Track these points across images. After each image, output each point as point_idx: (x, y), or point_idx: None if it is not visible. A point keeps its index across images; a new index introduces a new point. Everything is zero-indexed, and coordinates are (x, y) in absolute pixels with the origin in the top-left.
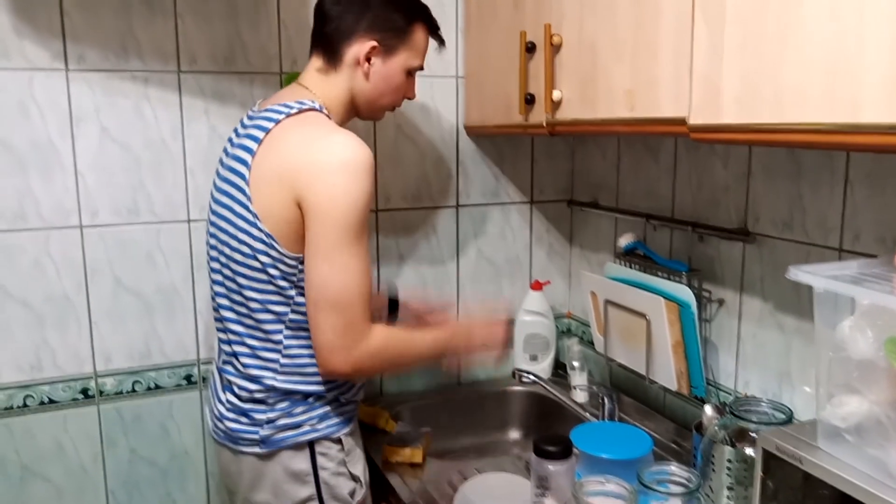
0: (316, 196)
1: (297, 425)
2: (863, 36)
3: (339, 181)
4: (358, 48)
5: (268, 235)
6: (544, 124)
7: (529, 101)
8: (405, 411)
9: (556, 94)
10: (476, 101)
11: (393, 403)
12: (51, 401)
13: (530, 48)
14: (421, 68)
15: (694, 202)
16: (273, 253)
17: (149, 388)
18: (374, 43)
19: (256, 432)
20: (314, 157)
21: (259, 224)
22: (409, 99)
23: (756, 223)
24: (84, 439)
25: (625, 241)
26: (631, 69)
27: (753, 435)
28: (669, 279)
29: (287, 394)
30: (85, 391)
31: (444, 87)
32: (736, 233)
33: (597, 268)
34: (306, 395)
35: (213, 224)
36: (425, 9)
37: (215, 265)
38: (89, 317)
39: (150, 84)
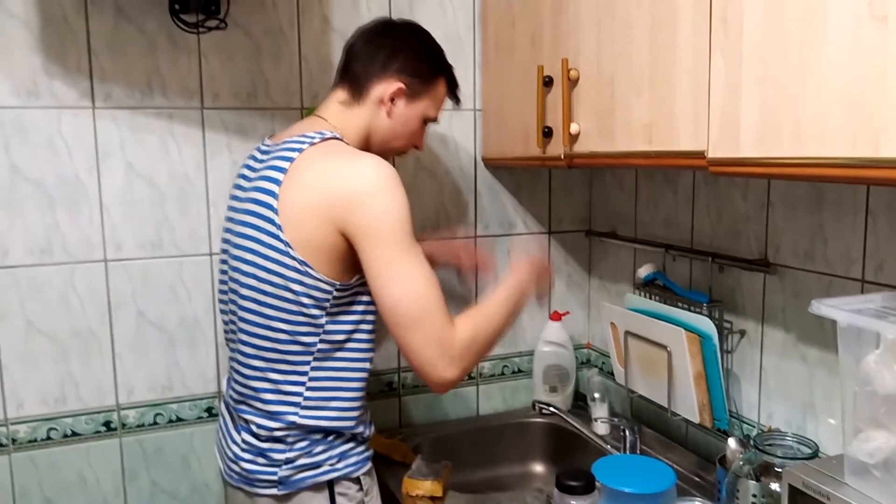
0: (361, 221)
1: (317, 465)
2: (883, 70)
3: (377, 203)
4: (385, 87)
5: (301, 262)
6: (562, 157)
7: (547, 133)
8: (424, 443)
9: (573, 127)
10: (494, 134)
11: (412, 436)
12: (74, 433)
13: (548, 82)
14: (436, 120)
15: (713, 232)
16: (307, 280)
17: (170, 421)
18: (402, 85)
19: (275, 473)
20: (348, 185)
21: (291, 252)
22: (417, 148)
23: (777, 254)
24: (106, 472)
25: (644, 271)
26: (649, 103)
27: (779, 469)
28: (690, 310)
29: (308, 432)
30: (107, 423)
31: (463, 119)
32: (756, 263)
33: (616, 298)
34: (327, 432)
35: (234, 258)
36: (450, 67)
37: (229, 299)
38: (112, 349)
39: (175, 120)
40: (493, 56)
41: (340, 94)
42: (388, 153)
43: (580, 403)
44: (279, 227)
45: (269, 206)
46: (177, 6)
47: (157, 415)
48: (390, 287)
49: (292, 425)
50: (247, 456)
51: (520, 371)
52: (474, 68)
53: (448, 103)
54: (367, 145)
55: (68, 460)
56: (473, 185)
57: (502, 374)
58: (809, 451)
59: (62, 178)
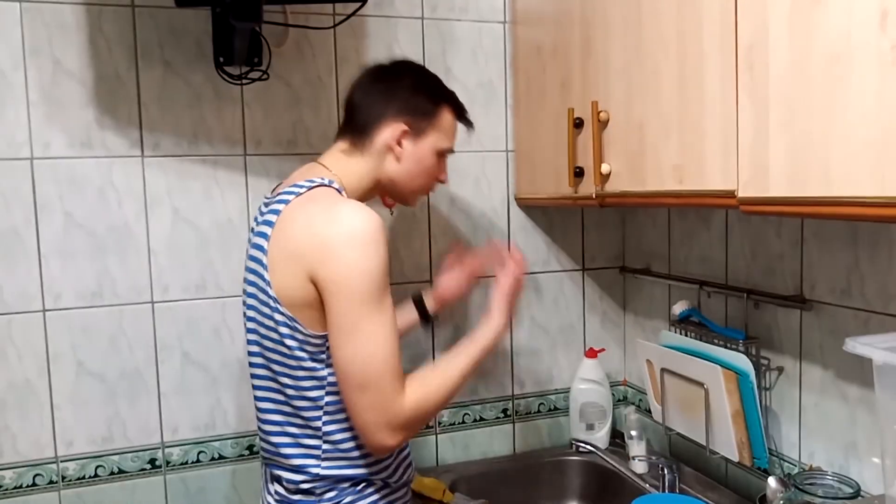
0: (329, 273)
1: None
2: None
3: (349, 254)
4: (389, 132)
5: (290, 318)
6: (594, 196)
7: (579, 173)
8: (461, 482)
9: (604, 168)
10: (526, 174)
11: (449, 474)
12: (120, 471)
13: (578, 124)
14: (451, 151)
15: (748, 269)
16: (298, 335)
17: (213, 458)
18: (405, 126)
19: None
20: (321, 232)
21: (280, 308)
22: (441, 182)
23: (812, 290)
24: None
25: (679, 308)
26: (678, 145)
27: None
28: (726, 347)
29: (335, 482)
30: (153, 461)
31: (495, 160)
32: (792, 300)
33: (651, 335)
34: (355, 482)
35: (246, 311)
36: (451, 93)
37: (254, 352)
38: (158, 389)
39: (219, 167)
40: (525, 100)
41: (342, 144)
42: (412, 195)
43: (617, 441)
44: (269, 284)
45: (261, 262)
46: (221, 59)
47: (200, 452)
48: (345, 344)
49: (317, 477)
50: None
51: (556, 409)
52: (506, 111)
53: (462, 129)
54: (379, 192)
55: (114, 498)
56: (507, 225)
57: (538, 411)
58: (851, 490)
59: (112, 225)
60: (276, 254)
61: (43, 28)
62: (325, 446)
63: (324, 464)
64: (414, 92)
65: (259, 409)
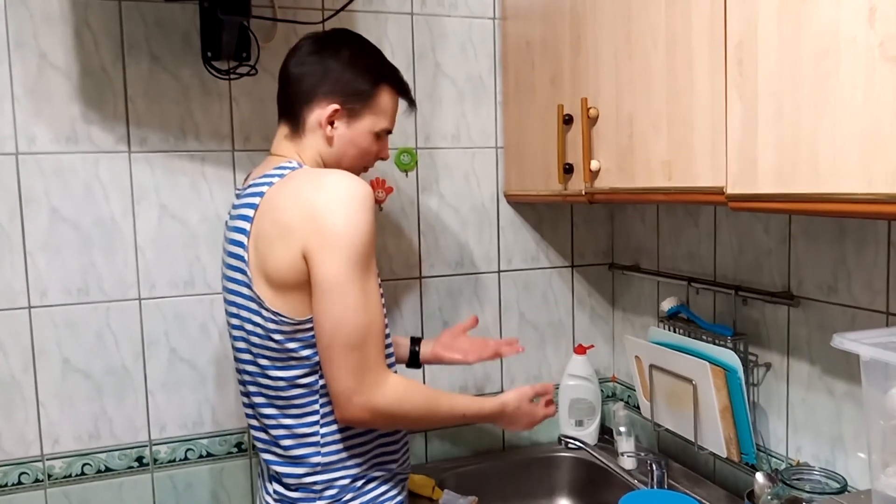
0: (318, 237)
1: None
2: None
3: (337, 218)
4: (319, 112)
5: (275, 314)
6: (583, 193)
7: (568, 170)
8: (450, 478)
9: (594, 164)
10: (515, 170)
11: (438, 470)
12: (107, 469)
13: (567, 120)
14: (390, 131)
15: (736, 265)
16: (285, 328)
17: (201, 456)
18: (336, 106)
19: None
20: (309, 201)
21: (265, 305)
22: (383, 159)
23: (800, 286)
24: None
25: (668, 304)
26: (667, 141)
27: None
28: (714, 343)
29: (334, 471)
30: (140, 459)
31: (485, 156)
32: (780, 296)
33: (640, 331)
34: (355, 478)
35: (227, 308)
36: (391, 70)
37: (241, 348)
38: (145, 386)
39: (207, 163)
40: (514, 95)
41: (283, 129)
42: (351, 171)
43: (606, 437)
44: (250, 279)
45: (241, 258)
46: (209, 54)
47: (188, 450)
48: (331, 307)
49: (317, 467)
50: None
51: None
52: (496, 107)
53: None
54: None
55: (101, 496)
56: (496, 221)
57: None
58: (838, 485)
59: (98, 220)
60: (264, 237)
61: (28, 21)
62: (322, 431)
63: (324, 450)
64: (349, 70)
65: (251, 406)
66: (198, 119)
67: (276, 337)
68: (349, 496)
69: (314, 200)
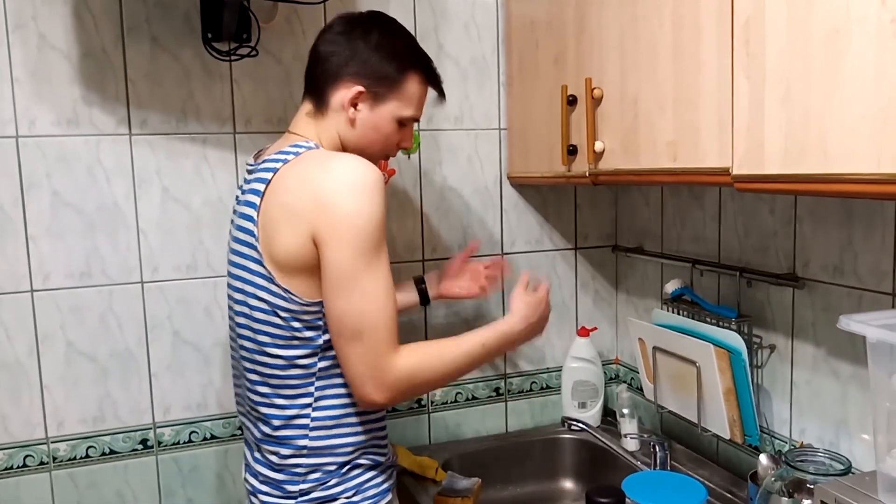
0: (325, 224)
1: (332, 498)
2: None
3: (345, 203)
4: (344, 93)
5: (285, 290)
6: (587, 174)
7: (572, 151)
8: (454, 460)
9: (598, 146)
10: (519, 152)
11: (441, 452)
12: (112, 451)
13: (572, 101)
14: (416, 119)
15: (741, 247)
16: (293, 306)
17: (205, 439)
18: (361, 88)
19: None
20: (318, 185)
21: (275, 280)
22: (405, 149)
23: (805, 268)
24: (144, 489)
25: (672, 286)
26: (673, 121)
27: (811, 486)
28: (718, 325)
29: (320, 456)
30: (144, 441)
31: (488, 138)
32: (785, 278)
33: (644, 313)
34: (340, 464)
35: (230, 287)
36: (423, 57)
37: (241, 324)
38: (149, 369)
39: (208, 145)
40: (518, 76)
41: (307, 106)
42: (371, 159)
43: (609, 419)
44: (261, 255)
45: (251, 233)
46: (209, 35)
47: (192, 432)
48: (340, 296)
49: (303, 450)
50: (264, 488)
51: (548, 387)
52: (499, 88)
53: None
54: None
55: (107, 478)
56: (500, 203)
57: (531, 390)
58: (842, 467)
59: (101, 204)
60: (271, 219)
61: (27, 2)
62: (314, 414)
63: (312, 434)
64: (379, 53)
65: (245, 382)
66: (199, 101)
67: (283, 314)
68: (334, 481)
69: (322, 184)
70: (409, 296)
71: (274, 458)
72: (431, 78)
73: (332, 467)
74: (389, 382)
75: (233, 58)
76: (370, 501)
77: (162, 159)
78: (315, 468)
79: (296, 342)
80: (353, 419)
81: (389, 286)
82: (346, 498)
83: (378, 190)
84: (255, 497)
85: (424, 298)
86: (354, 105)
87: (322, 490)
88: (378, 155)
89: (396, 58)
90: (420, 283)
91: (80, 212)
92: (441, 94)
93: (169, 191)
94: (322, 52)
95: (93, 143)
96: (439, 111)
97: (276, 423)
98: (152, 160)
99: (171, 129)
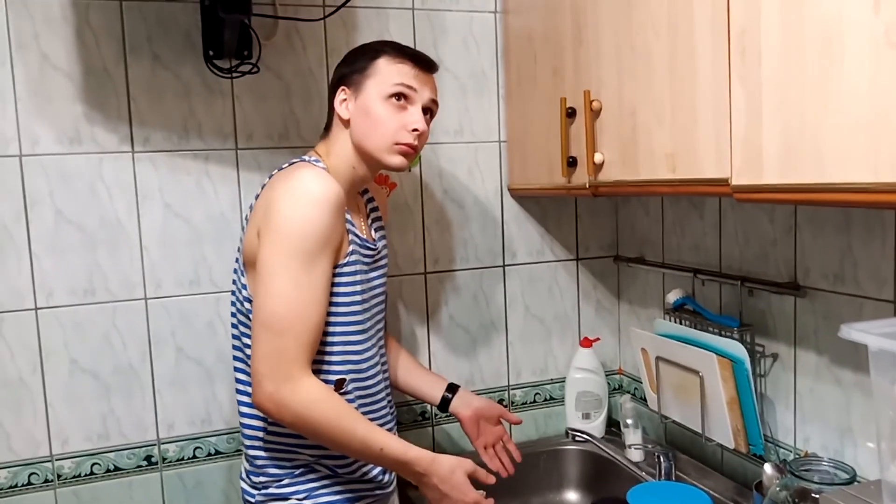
0: (266, 222)
1: (284, 497)
2: None
3: (288, 208)
4: (335, 102)
5: (244, 287)
6: (587, 186)
7: (572, 163)
8: None
9: (597, 157)
10: (519, 164)
11: None
12: (116, 468)
13: (571, 113)
14: (404, 91)
15: (741, 256)
16: (251, 304)
17: (209, 454)
18: (342, 87)
19: (254, 496)
20: (274, 190)
21: (243, 280)
22: (416, 131)
23: (806, 276)
24: None
25: (673, 296)
26: (671, 133)
27: (816, 496)
28: (721, 335)
29: (275, 451)
30: (149, 458)
31: (488, 150)
32: (786, 286)
33: (646, 323)
34: (296, 465)
35: (232, 284)
36: (388, 42)
37: (234, 323)
38: (153, 386)
39: (210, 161)
40: (516, 89)
41: (323, 135)
42: (386, 152)
43: (613, 430)
44: (239, 251)
45: (239, 248)
46: (211, 52)
47: (196, 448)
48: (259, 290)
49: (260, 441)
50: (243, 475)
51: (552, 398)
52: (498, 101)
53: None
54: (367, 165)
55: (111, 495)
56: (500, 215)
57: (534, 401)
58: (847, 476)
59: (103, 221)
60: (250, 220)
61: (29, 22)
62: None
63: (270, 428)
64: (350, 56)
65: (234, 370)
66: (200, 118)
67: (247, 306)
68: (286, 480)
69: (276, 190)
70: (432, 387)
71: (246, 446)
72: (399, 50)
73: (287, 465)
74: (283, 393)
75: (234, 75)
76: None
77: (164, 176)
78: (270, 463)
79: None
80: None
81: (314, 296)
82: (298, 500)
83: (324, 205)
84: (240, 482)
85: (444, 404)
86: (345, 107)
87: (276, 487)
88: (385, 142)
89: (364, 50)
90: (449, 391)
91: (82, 229)
92: (415, 59)
93: (171, 207)
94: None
95: (95, 160)
96: (440, 124)
97: (245, 409)
98: (154, 177)
99: (173, 146)
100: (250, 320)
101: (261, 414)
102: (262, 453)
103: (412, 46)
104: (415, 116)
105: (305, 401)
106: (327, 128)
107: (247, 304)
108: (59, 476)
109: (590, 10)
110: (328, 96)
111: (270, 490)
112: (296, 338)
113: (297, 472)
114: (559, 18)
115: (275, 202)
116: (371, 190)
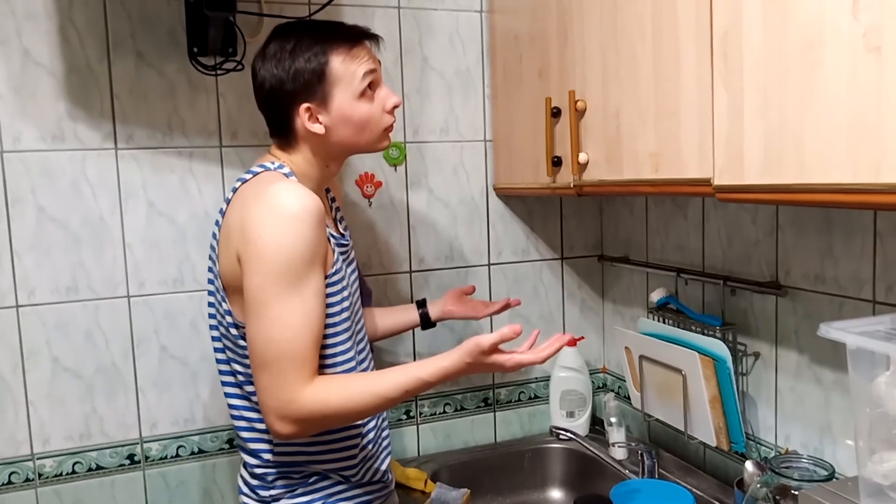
0: (246, 248)
1: None
2: (880, 100)
3: (266, 229)
4: (299, 121)
5: (228, 312)
6: (572, 185)
7: (556, 163)
8: (443, 471)
9: (582, 157)
10: (504, 164)
11: (430, 463)
12: (99, 467)
13: (556, 113)
14: (372, 83)
15: (724, 256)
16: (239, 324)
17: (193, 453)
18: (306, 104)
19: None
20: (249, 209)
21: (226, 298)
22: (396, 106)
23: (787, 276)
24: None
25: (657, 295)
26: (655, 133)
27: (795, 492)
28: (703, 333)
29: (285, 466)
30: (131, 457)
31: (474, 150)
32: (768, 286)
33: (630, 322)
34: (306, 473)
35: (208, 298)
36: (330, 33)
37: (216, 336)
38: (136, 384)
39: (194, 159)
40: (502, 88)
41: (275, 140)
42: (377, 140)
43: (597, 428)
44: (218, 273)
45: (214, 250)
46: (195, 49)
47: (179, 447)
48: (251, 322)
49: (268, 463)
50: (245, 490)
51: (536, 397)
52: (484, 100)
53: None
54: (343, 158)
55: (93, 494)
56: (486, 214)
57: (519, 400)
58: (826, 473)
59: (86, 218)
60: (222, 237)
61: (11, 18)
62: None
63: (276, 449)
64: (294, 67)
65: (225, 395)
66: (184, 115)
67: (233, 332)
68: (301, 490)
69: (249, 209)
70: (406, 317)
71: (250, 470)
72: (347, 39)
73: (298, 477)
74: (293, 415)
75: (219, 72)
76: None
77: (148, 174)
78: (281, 476)
79: (247, 360)
80: (318, 437)
81: (308, 316)
82: None
83: (309, 220)
84: (241, 496)
85: (426, 321)
86: (314, 121)
87: (290, 498)
88: (375, 134)
89: (298, 51)
90: (421, 307)
91: (65, 227)
92: (366, 35)
93: (155, 205)
94: (258, 94)
95: (78, 157)
96: (425, 123)
97: (246, 434)
98: (138, 174)
99: (157, 144)
100: (239, 347)
101: (265, 437)
102: (271, 470)
103: (360, 26)
104: (388, 94)
105: (315, 408)
106: (288, 143)
107: (233, 331)
108: (40, 475)
109: (575, 11)
110: (275, 111)
111: (284, 501)
112: (295, 358)
113: (311, 479)
114: (545, 19)
115: (252, 224)
116: None
